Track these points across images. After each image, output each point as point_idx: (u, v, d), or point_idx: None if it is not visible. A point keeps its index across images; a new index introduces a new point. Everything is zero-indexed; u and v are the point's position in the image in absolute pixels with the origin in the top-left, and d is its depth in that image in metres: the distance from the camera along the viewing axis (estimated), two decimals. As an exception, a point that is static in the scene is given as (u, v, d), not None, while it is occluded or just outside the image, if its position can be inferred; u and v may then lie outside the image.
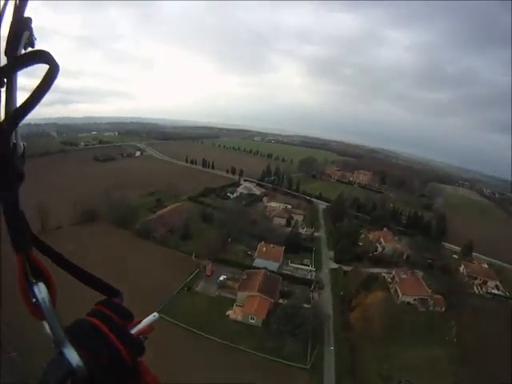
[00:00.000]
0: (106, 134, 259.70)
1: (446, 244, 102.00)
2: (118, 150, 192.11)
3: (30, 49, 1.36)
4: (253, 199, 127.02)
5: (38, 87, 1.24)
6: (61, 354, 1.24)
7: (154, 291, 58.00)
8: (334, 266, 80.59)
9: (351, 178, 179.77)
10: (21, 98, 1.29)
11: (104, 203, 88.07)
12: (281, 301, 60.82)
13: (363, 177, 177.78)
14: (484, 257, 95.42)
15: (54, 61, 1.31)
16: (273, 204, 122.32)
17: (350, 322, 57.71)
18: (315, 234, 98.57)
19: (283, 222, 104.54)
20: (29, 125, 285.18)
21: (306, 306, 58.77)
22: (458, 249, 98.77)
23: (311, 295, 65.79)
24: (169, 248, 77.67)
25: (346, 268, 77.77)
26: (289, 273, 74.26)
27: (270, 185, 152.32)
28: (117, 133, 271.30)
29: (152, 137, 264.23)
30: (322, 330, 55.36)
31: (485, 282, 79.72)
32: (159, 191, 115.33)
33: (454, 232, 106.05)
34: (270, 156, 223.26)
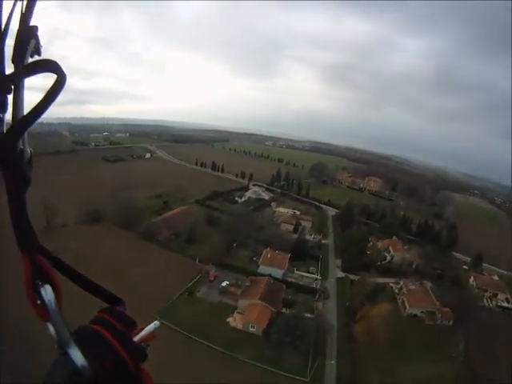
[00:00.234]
0: (118, 135, 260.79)
1: (455, 254, 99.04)
2: (128, 152, 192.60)
3: (36, 57, 1.40)
4: (261, 204, 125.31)
5: (46, 96, 1.27)
6: (65, 354, 1.26)
7: (154, 295, 56.91)
8: (341, 274, 78.48)
9: (362, 185, 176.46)
10: (28, 104, 1.32)
11: (111, 204, 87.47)
12: (284, 310, 59.17)
13: (374, 183, 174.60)
14: (494, 268, 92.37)
15: (61, 70, 1.32)
16: (281, 209, 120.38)
17: (353, 334, 55.54)
18: (323, 241, 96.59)
19: (291, 228, 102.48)
20: (41, 124, 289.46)
21: (309, 315, 56.94)
22: (468, 259, 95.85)
23: (315, 305, 63.65)
24: (173, 251, 76.64)
25: (353, 277, 75.61)
26: (294, 281, 72.26)
27: (280, 190, 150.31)
28: (128, 134, 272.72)
29: (163, 139, 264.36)
30: (325, 342, 53.30)
31: (495, 295, 76.68)
32: (167, 193, 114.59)
33: (465, 242, 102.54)
34: (280, 161, 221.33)
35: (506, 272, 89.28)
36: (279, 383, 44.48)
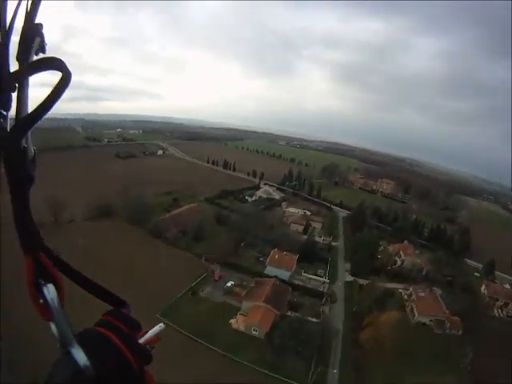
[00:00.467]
0: (131, 131, 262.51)
1: (467, 260, 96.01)
2: (140, 148, 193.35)
3: (41, 54, 1.38)
4: (271, 203, 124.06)
5: (51, 94, 1.25)
6: (68, 353, 1.26)
7: (157, 293, 56.05)
8: (350, 278, 76.38)
9: (374, 187, 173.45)
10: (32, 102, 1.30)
11: (119, 200, 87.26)
12: (289, 313, 57.63)
13: (386, 186, 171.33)
14: (506, 276, 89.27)
15: (67, 68, 1.31)
16: (291, 209, 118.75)
17: (359, 341, 53.44)
18: (333, 244, 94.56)
19: (300, 228, 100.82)
20: (55, 119, 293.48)
21: (314, 320, 55.32)
22: (479, 266, 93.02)
23: (322, 309, 61.69)
24: (179, 249, 75.97)
25: (361, 281, 73.59)
26: (301, 283, 70.48)
27: (291, 190, 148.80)
28: (141, 131, 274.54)
29: (176, 136, 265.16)
30: (329, 349, 51.40)
31: (506, 305, 73.64)
32: (177, 191, 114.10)
33: (477, 248, 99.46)
34: (292, 160, 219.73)
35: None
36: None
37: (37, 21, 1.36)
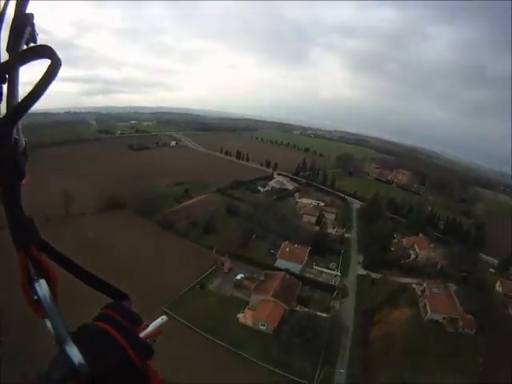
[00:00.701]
0: (145, 123, 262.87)
1: (483, 255, 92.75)
2: (153, 140, 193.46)
3: (32, 44, 1.36)
4: (284, 194, 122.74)
5: (40, 82, 1.22)
6: (63, 351, 1.23)
7: (165, 285, 55.84)
8: (362, 272, 74.81)
9: (389, 177, 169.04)
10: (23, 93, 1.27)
11: (131, 191, 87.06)
12: (298, 307, 56.69)
13: (402, 176, 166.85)
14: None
15: (56, 55, 1.29)
16: (304, 200, 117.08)
17: (369, 338, 51.94)
18: (346, 235, 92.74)
19: (313, 220, 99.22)
20: (69, 113, 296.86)
21: (324, 315, 54.11)
22: (495, 261, 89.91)
23: (332, 304, 60.32)
24: (190, 241, 75.72)
25: (374, 275, 71.97)
26: (312, 276, 69.25)
27: (304, 180, 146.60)
28: (155, 122, 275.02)
29: (189, 127, 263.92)
30: (338, 346, 50.19)
31: (521, 303, 70.48)
32: (189, 181, 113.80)
33: (493, 242, 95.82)
34: (307, 150, 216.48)
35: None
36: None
37: (28, 10, 1.33)
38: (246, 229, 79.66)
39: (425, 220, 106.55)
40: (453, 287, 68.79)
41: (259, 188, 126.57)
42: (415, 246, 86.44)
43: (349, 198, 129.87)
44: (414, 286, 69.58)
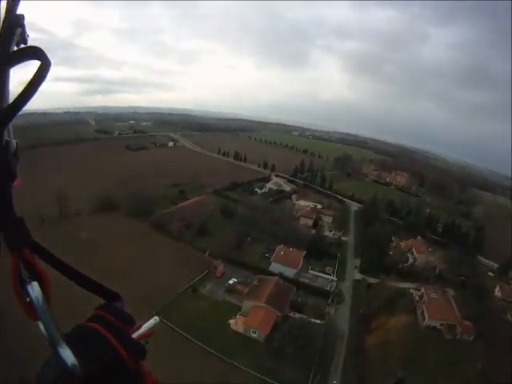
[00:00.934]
0: (143, 123, 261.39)
1: (482, 259, 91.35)
2: (151, 140, 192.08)
3: (22, 46, 1.36)
4: (281, 196, 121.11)
5: (30, 84, 1.23)
6: (56, 353, 1.24)
7: (156, 289, 54.41)
8: (359, 276, 73.15)
9: (388, 179, 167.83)
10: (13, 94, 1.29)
11: (127, 192, 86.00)
12: (292, 313, 55.14)
13: (400, 178, 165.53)
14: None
15: (46, 57, 1.29)
16: (302, 202, 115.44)
17: (365, 346, 50.39)
18: (343, 239, 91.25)
19: (310, 222, 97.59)
20: (68, 113, 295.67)
21: (318, 322, 52.57)
22: (494, 265, 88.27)
23: (327, 310, 58.65)
24: (183, 243, 74.23)
25: (371, 280, 70.37)
26: (307, 281, 67.58)
27: (302, 182, 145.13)
28: (153, 122, 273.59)
29: (188, 128, 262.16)
30: (332, 354, 48.58)
31: (520, 308, 68.90)
32: (185, 183, 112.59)
33: (492, 245, 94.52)
34: (305, 151, 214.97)
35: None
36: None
37: (18, 11, 1.33)
38: (241, 231, 78.19)
39: (423, 222, 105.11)
40: (451, 292, 67.15)
41: (256, 190, 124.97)
42: (413, 249, 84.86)
43: (347, 200, 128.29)
44: (411, 291, 67.80)
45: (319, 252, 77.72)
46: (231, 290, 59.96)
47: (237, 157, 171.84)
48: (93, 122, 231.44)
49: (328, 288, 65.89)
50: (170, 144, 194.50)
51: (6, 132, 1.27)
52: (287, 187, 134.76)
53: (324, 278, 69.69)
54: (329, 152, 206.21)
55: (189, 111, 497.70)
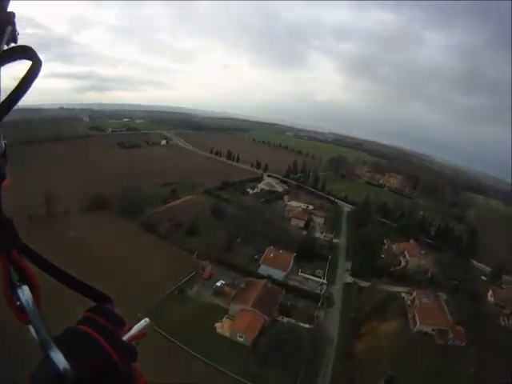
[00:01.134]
0: (137, 121, 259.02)
1: (474, 262, 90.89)
2: (144, 138, 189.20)
3: (12, 44, 1.33)
4: (273, 196, 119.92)
5: (20, 84, 1.21)
6: (48, 357, 1.22)
7: (142, 290, 52.72)
8: (350, 279, 72.27)
9: (381, 181, 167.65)
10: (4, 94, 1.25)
11: (117, 191, 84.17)
12: (280, 317, 53.96)
13: (394, 180, 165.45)
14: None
15: (37, 57, 1.27)
16: (293, 203, 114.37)
17: (354, 352, 49.38)
18: (334, 241, 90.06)
19: (301, 223, 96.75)
20: (62, 109, 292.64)
21: (307, 326, 51.48)
22: (487, 269, 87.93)
23: (316, 313, 57.49)
24: (171, 244, 72.63)
25: (362, 283, 69.51)
26: (296, 284, 66.49)
27: (295, 182, 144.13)
28: (147, 119, 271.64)
29: (181, 126, 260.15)
30: (320, 360, 47.33)
31: (513, 313, 68.42)
32: (177, 182, 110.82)
33: (485, 249, 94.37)
34: (299, 152, 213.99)
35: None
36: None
37: (9, 9, 1.31)
38: (231, 232, 77.03)
39: (416, 225, 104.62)
40: (443, 296, 66.28)
41: (248, 190, 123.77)
42: (406, 252, 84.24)
43: (339, 201, 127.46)
44: (403, 295, 66.90)
45: (310, 254, 76.68)
46: (219, 292, 58.66)
47: (229, 156, 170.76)
48: (87, 119, 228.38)
49: (318, 291, 64.85)
50: (163, 142, 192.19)
51: None
52: (279, 188, 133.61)
53: (314, 281, 68.66)
54: (323, 153, 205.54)
55: (183, 110, 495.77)
